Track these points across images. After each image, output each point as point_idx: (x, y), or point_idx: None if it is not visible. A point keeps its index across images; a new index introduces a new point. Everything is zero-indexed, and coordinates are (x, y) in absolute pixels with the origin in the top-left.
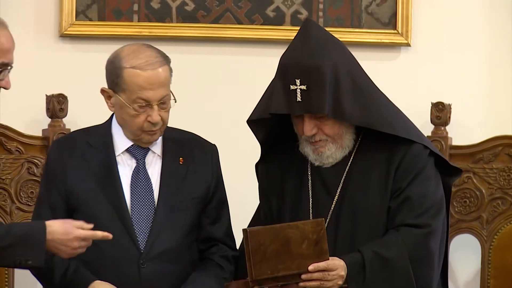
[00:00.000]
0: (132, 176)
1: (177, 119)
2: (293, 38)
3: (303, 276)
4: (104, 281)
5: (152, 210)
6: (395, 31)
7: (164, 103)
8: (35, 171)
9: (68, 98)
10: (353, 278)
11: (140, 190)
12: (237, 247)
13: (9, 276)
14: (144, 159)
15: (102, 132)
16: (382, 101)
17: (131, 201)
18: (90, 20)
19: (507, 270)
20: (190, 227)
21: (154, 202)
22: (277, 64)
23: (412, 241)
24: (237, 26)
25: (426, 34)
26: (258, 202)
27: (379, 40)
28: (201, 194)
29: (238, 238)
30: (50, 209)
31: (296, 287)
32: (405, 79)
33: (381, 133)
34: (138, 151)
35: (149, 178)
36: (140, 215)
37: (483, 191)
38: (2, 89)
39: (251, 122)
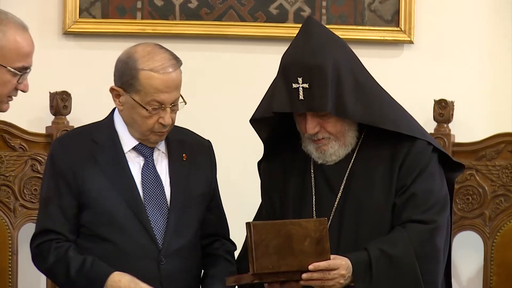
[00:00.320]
0: (142, 174)
1: (180, 116)
2: (296, 35)
3: (304, 276)
4: None
5: (165, 207)
6: (398, 29)
7: (175, 105)
8: (39, 168)
9: (71, 96)
10: (360, 277)
11: (152, 188)
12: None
13: (12, 277)
14: (152, 156)
15: (106, 129)
16: (384, 99)
17: (144, 198)
18: (94, 17)
19: (510, 267)
20: (200, 223)
21: (166, 199)
22: (279, 61)
23: (418, 237)
24: (240, 24)
25: (429, 32)
26: (260, 201)
27: (382, 38)
28: (205, 190)
29: (240, 237)
30: (60, 209)
31: (296, 285)
32: (408, 76)
33: (383, 130)
34: (145, 148)
35: (159, 175)
36: (154, 212)
37: (486, 188)
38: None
39: (253, 121)
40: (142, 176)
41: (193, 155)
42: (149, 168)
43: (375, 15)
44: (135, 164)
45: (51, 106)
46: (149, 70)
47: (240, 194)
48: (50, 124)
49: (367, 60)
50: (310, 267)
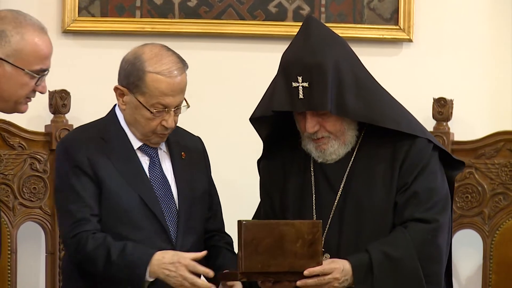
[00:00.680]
0: (149, 173)
1: (180, 115)
2: (295, 33)
3: (298, 283)
4: None
5: (173, 205)
6: (397, 27)
7: (178, 109)
8: (38, 166)
9: (70, 94)
10: (360, 280)
11: (160, 186)
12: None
13: (11, 275)
14: (158, 156)
15: (112, 128)
16: (384, 97)
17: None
18: (93, 16)
19: (509, 265)
20: (204, 220)
21: (173, 197)
22: (279, 59)
23: (420, 238)
24: (239, 22)
25: (428, 30)
26: (258, 200)
27: (381, 36)
28: (206, 188)
29: None
30: (88, 198)
31: (289, 285)
32: (407, 74)
33: (383, 128)
34: (149, 148)
35: (165, 174)
36: (166, 212)
37: (485, 186)
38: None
39: (253, 119)
40: (149, 176)
41: (190, 153)
42: (155, 168)
43: (374, 13)
44: (143, 164)
45: (50, 105)
46: (156, 73)
47: (239, 193)
48: (49, 123)
49: (366, 59)
50: (305, 272)
